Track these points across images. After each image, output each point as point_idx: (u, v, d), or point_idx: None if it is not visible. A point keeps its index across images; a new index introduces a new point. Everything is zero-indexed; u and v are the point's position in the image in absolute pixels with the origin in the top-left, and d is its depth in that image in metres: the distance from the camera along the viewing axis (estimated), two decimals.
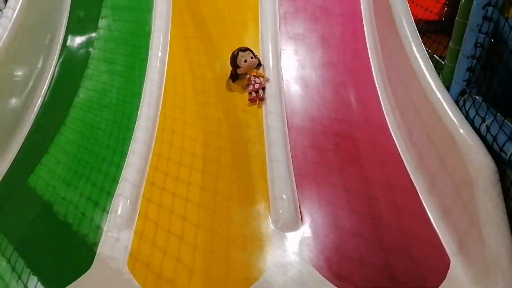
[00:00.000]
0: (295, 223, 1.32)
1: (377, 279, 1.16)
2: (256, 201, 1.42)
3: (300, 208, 1.37)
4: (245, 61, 1.82)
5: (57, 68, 1.92)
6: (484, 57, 1.28)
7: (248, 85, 1.82)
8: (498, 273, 1.03)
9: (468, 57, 1.29)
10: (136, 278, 1.19)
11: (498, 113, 1.17)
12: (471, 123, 1.25)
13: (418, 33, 1.63)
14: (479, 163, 1.13)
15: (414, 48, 1.57)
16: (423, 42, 1.62)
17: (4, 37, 1.66)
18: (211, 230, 1.33)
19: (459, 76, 1.34)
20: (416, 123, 1.51)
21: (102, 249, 1.27)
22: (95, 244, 1.28)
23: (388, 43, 1.84)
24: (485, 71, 1.31)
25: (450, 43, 1.40)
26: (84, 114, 1.77)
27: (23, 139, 1.67)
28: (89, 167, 1.55)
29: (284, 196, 1.38)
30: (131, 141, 1.63)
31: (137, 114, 1.75)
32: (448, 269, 1.16)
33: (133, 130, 1.68)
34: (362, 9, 2.12)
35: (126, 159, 1.55)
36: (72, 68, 1.94)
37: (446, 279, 1.14)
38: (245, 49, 1.85)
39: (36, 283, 1.19)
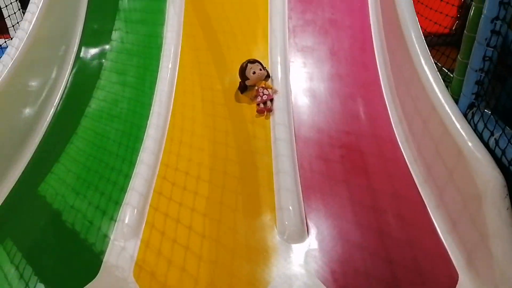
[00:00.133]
0: (301, 235, 1.31)
1: None
2: (262, 212, 1.42)
3: (306, 220, 1.37)
4: (254, 72, 1.84)
5: (70, 78, 1.97)
6: (493, 70, 1.27)
7: (256, 97, 1.84)
8: None
9: (476, 71, 1.29)
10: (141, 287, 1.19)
11: (507, 127, 1.16)
12: (480, 136, 1.24)
13: (426, 46, 1.64)
14: (488, 176, 1.12)
15: (422, 61, 1.57)
16: (432, 55, 1.62)
17: (20, 48, 1.71)
18: (216, 241, 1.33)
19: (467, 89, 1.34)
20: (424, 136, 1.50)
21: (109, 258, 1.28)
22: (102, 253, 1.29)
23: (396, 56, 1.84)
24: (494, 84, 1.30)
25: (458, 56, 1.40)
26: (95, 124, 1.81)
27: (35, 148, 1.70)
28: (98, 176, 1.57)
29: (290, 207, 1.38)
30: (140, 151, 1.65)
31: (146, 124, 1.78)
32: (456, 284, 1.14)
33: (142, 140, 1.70)
34: (371, 22, 2.13)
35: (135, 169, 1.57)
36: (85, 79, 1.99)
37: None
38: (253, 61, 1.87)
39: None
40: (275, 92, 1.85)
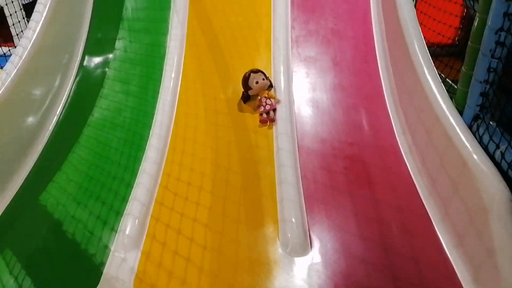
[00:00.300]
0: (304, 248, 1.30)
1: None
2: (264, 223, 1.41)
3: (309, 232, 1.35)
4: (257, 82, 1.84)
5: (73, 87, 1.97)
6: (498, 82, 1.26)
7: (259, 106, 1.83)
8: None
9: (481, 82, 1.28)
10: None
11: None
12: (485, 149, 1.23)
13: (430, 57, 1.63)
14: (494, 190, 1.10)
15: (426, 71, 1.56)
16: (436, 66, 1.62)
17: (24, 57, 1.71)
18: (218, 253, 1.31)
19: (472, 101, 1.33)
20: (428, 147, 1.49)
21: (109, 270, 1.26)
22: (102, 264, 1.27)
23: (399, 67, 1.83)
24: (499, 96, 1.29)
25: (462, 67, 1.39)
26: (97, 133, 1.80)
27: (37, 156, 1.70)
28: (99, 185, 1.56)
29: (293, 219, 1.36)
30: (142, 160, 1.65)
31: (149, 133, 1.77)
32: None
33: (145, 149, 1.70)
34: (374, 33, 2.13)
35: (137, 178, 1.56)
36: (88, 87, 1.99)
37: None
38: (256, 71, 1.87)
39: None
40: (278, 102, 1.85)
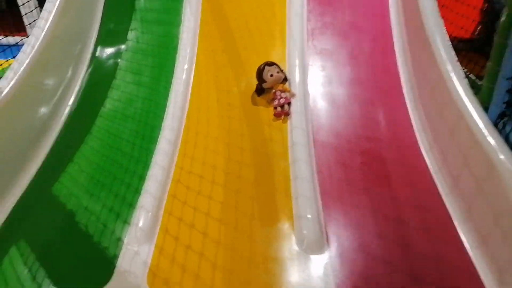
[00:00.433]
0: (320, 245, 1.26)
1: None
2: (279, 219, 1.37)
3: (325, 229, 1.31)
4: (271, 75, 1.80)
5: (85, 78, 1.95)
6: None
7: (273, 100, 1.80)
8: None
9: (508, 79, 1.23)
10: None
11: None
12: None
13: (453, 52, 1.57)
14: None
15: (449, 67, 1.51)
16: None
17: (36, 46, 1.69)
18: (232, 249, 1.28)
19: (498, 98, 1.27)
20: (451, 145, 1.44)
21: (122, 263, 1.24)
22: (115, 257, 1.25)
23: (420, 61, 1.78)
24: None
25: (488, 62, 1.33)
26: (109, 124, 1.78)
27: (50, 147, 1.68)
28: (111, 177, 1.54)
29: (308, 216, 1.33)
30: (154, 153, 1.62)
31: (161, 125, 1.75)
32: None
33: (156, 141, 1.67)
34: (393, 26, 2.07)
35: (149, 171, 1.54)
36: (100, 78, 1.97)
37: None
38: (271, 64, 1.83)
39: None
40: (292, 95, 1.81)
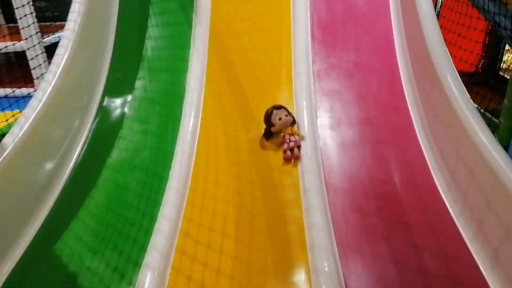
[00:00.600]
0: None
1: None
2: (295, 274, 1.29)
3: (345, 284, 1.22)
4: (280, 119, 1.77)
5: (92, 129, 1.94)
6: None
7: (282, 143, 1.76)
8: None
9: None
10: None
11: None
12: None
13: (464, 88, 1.53)
14: None
15: (462, 104, 1.46)
16: None
17: (43, 100, 1.69)
18: None
19: None
20: (471, 186, 1.36)
21: None
22: None
23: (431, 99, 1.74)
24: None
25: (505, 100, 1.29)
26: (115, 175, 1.74)
27: (53, 203, 1.63)
28: (116, 232, 1.48)
29: (326, 269, 1.24)
30: (162, 204, 1.57)
31: (168, 175, 1.70)
32: None
33: (164, 191, 1.62)
34: (399, 64, 2.05)
35: (155, 225, 1.48)
36: (107, 128, 1.96)
37: None
38: (279, 107, 1.80)
39: None
40: (302, 138, 1.77)
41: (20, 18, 2.79)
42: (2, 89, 2.54)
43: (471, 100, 1.48)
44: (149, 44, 2.26)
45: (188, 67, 2.15)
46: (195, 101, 2.03)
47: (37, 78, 2.21)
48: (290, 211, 1.51)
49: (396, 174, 1.65)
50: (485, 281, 1.20)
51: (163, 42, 2.31)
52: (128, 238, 1.44)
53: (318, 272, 1.24)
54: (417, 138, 1.76)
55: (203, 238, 1.43)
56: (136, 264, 1.33)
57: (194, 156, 1.82)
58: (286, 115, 1.79)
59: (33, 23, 2.86)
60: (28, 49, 2.68)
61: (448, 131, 1.56)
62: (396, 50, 2.12)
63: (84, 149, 1.85)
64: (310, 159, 1.68)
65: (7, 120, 1.99)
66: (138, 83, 2.14)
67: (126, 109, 2.05)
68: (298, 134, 1.77)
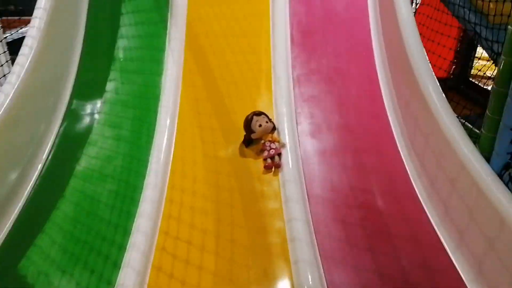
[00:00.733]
0: None
1: None
2: None
3: None
4: (260, 125, 1.72)
5: (59, 134, 1.81)
6: None
7: (263, 151, 1.71)
8: None
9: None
10: None
11: None
12: None
13: (445, 98, 1.54)
14: None
15: (443, 113, 1.46)
16: None
17: (5, 105, 1.55)
18: None
19: (501, 148, 1.21)
20: (453, 198, 1.36)
21: None
22: None
23: (410, 106, 1.73)
24: None
25: (487, 111, 1.29)
26: (84, 185, 1.63)
27: (17, 216, 1.50)
28: (87, 248, 1.37)
29: (311, 283, 1.21)
30: (136, 216, 1.48)
31: (143, 184, 1.61)
32: None
33: (138, 202, 1.53)
34: (378, 71, 2.05)
35: (130, 239, 1.39)
36: (75, 134, 1.83)
37: None
38: (259, 113, 1.75)
39: None
40: (282, 146, 1.73)
41: None
42: None
43: (452, 111, 1.48)
44: (121, 44, 2.15)
45: (163, 69, 2.05)
46: (171, 105, 1.94)
47: None
48: (272, 223, 1.46)
49: (377, 182, 1.63)
50: None
51: (136, 42, 2.20)
52: (100, 254, 1.34)
53: (302, 287, 1.20)
54: (397, 145, 1.76)
55: (181, 253, 1.36)
56: (109, 283, 1.25)
57: (170, 164, 1.73)
58: (267, 122, 1.74)
59: None
60: None
61: (428, 139, 1.56)
62: (375, 57, 2.11)
63: (50, 156, 1.72)
64: (291, 167, 1.64)
65: None
66: (110, 85, 2.03)
67: (96, 113, 1.93)
68: (278, 141, 1.73)
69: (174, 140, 1.83)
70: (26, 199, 1.56)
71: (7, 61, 2.16)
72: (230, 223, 1.47)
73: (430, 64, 1.69)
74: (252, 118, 1.73)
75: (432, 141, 1.51)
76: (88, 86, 2.00)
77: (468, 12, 1.44)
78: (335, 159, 1.72)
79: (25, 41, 1.78)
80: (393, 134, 1.80)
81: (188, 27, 2.22)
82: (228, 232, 1.43)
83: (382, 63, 2.05)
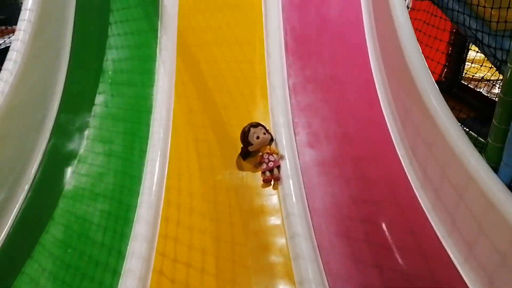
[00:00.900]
0: None
1: None
2: None
3: None
4: (258, 137, 1.67)
5: (47, 151, 1.72)
6: None
7: (261, 164, 1.66)
8: None
9: None
10: None
11: None
12: None
13: (447, 105, 1.50)
14: None
15: (446, 122, 1.42)
16: None
17: None
18: None
19: (510, 159, 1.18)
20: (460, 209, 1.31)
21: None
22: None
23: (411, 115, 1.69)
24: None
25: (493, 121, 1.25)
26: (75, 205, 1.55)
27: (2, 241, 1.41)
28: (79, 275, 1.30)
29: None
30: (130, 238, 1.40)
31: (136, 202, 1.54)
32: None
33: (132, 223, 1.46)
34: (375, 78, 2.01)
35: (124, 263, 1.31)
36: (64, 150, 1.75)
37: None
38: (256, 125, 1.70)
39: None
40: (281, 158, 1.67)
41: None
42: None
43: (455, 119, 1.44)
44: (110, 55, 2.07)
45: (155, 80, 1.98)
46: (163, 118, 1.87)
47: None
48: (274, 240, 1.41)
49: (379, 193, 1.59)
50: None
51: (126, 53, 2.12)
52: (93, 281, 1.27)
53: None
54: (397, 154, 1.71)
55: (180, 277, 1.29)
56: None
57: (165, 179, 1.66)
58: (264, 133, 1.69)
59: None
60: None
61: (431, 149, 1.52)
62: (371, 63, 2.07)
63: (38, 175, 1.64)
64: (292, 180, 1.59)
65: None
66: (99, 98, 1.95)
67: (85, 128, 1.85)
68: (277, 153, 1.68)
69: (168, 155, 1.76)
70: (12, 222, 1.47)
71: None
72: (230, 241, 1.41)
73: (429, 70, 1.65)
74: (249, 130, 1.68)
75: (436, 151, 1.47)
76: (76, 99, 1.91)
77: (468, 18, 1.41)
78: (336, 170, 1.67)
79: (9, 55, 1.69)
80: (393, 143, 1.75)
81: (179, 36, 2.16)
82: (228, 252, 1.37)
83: (379, 70, 2.01)
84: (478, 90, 3.09)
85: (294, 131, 1.81)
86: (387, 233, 1.43)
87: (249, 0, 2.27)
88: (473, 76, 3.01)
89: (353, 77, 2.04)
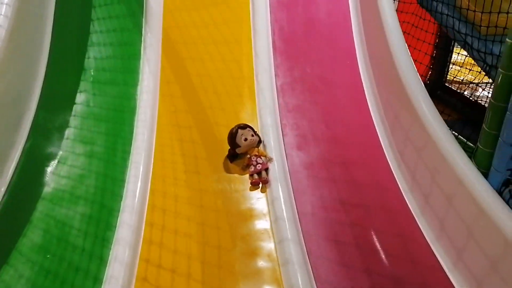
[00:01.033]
0: None
1: None
2: None
3: None
4: (246, 139, 1.63)
5: (24, 151, 1.64)
6: None
7: (249, 166, 1.63)
8: None
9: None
10: None
11: None
12: None
13: (437, 110, 1.49)
14: None
15: (436, 128, 1.41)
16: None
17: None
18: None
19: (500, 165, 1.17)
20: (449, 214, 1.31)
21: None
22: None
23: (400, 119, 1.69)
24: None
25: (484, 126, 1.25)
26: (54, 208, 1.48)
27: None
28: (58, 282, 1.24)
29: None
30: (112, 243, 1.35)
31: (119, 206, 1.48)
32: None
33: (115, 227, 1.40)
34: (363, 80, 2.00)
35: (106, 269, 1.26)
36: (42, 151, 1.67)
37: None
38: (244, 126, 1.66)
39: None
40: (270, 160, 1.64)
41: None
42: None
43: (445, 124, 1.44)
44: (92, 53, 2.00)
45: (139, 79, 1.93)
46: (148, 118, 1.82)
47: None
48: (262, 245, 1.38)
49: (367, 197, 1.57)
50: None
51: (108, 50, 2.05)
52: None
53: None
54: (385, 157, 1.71)
55: (164, 283, 1.25)
56: None
57: (149, 182, 1.61)
58: (252, 135, 1.66)
59: None
60: None
61: (420, 153, 1.51)
62: (359, 65, 2.06)
63: (15, 176, 1.56)
64: (280, 183, 1.56)
65: None
66: (80, 97, 1.87)
67: (66, 127, 1.77)
68: (265, 156, 1.65)
69: (152, 156, 1.71)
70: None
71: None
72: (217, 246, 1.37)
73: (418, 74, 1.65)
74: (237, 131, 1.64)
75: (425, 155, 1.46)
76: (56, 98, 1.84)
77: (457, 23, 1.41)
78: (324, 173, 1.65)
79: None
80: (381, 146, 1.75)
81: (164, 34, 2.10)
82: (215, 257, 1.33)
83: (367, 72, 2.00)
84: (461, 92, 3.13)
85: (282, 132, 1.79)
86: (375, 237, 1.42)
87: None
88: (453, 78, 3.04)
89: (341, 79, 2.03)
